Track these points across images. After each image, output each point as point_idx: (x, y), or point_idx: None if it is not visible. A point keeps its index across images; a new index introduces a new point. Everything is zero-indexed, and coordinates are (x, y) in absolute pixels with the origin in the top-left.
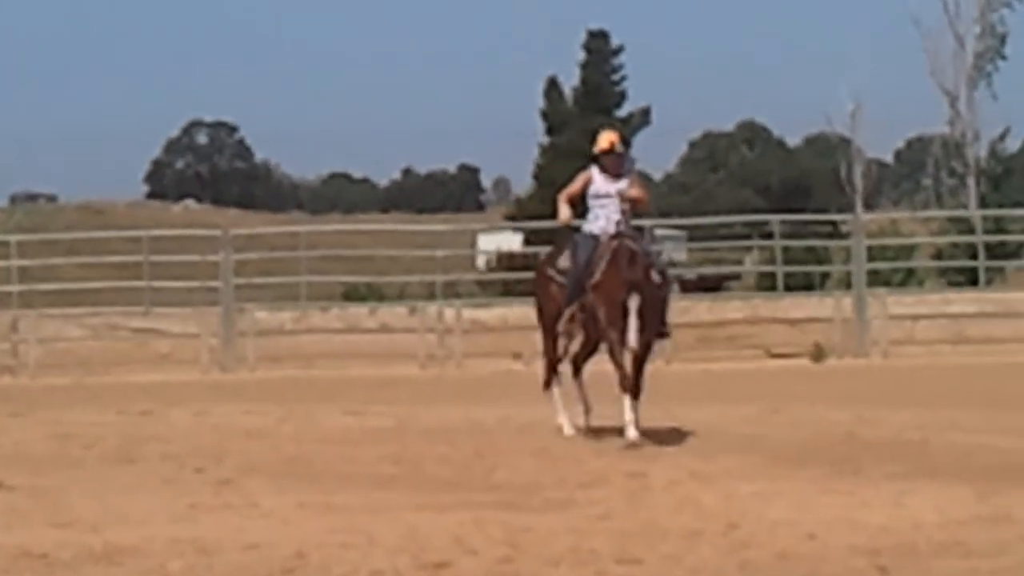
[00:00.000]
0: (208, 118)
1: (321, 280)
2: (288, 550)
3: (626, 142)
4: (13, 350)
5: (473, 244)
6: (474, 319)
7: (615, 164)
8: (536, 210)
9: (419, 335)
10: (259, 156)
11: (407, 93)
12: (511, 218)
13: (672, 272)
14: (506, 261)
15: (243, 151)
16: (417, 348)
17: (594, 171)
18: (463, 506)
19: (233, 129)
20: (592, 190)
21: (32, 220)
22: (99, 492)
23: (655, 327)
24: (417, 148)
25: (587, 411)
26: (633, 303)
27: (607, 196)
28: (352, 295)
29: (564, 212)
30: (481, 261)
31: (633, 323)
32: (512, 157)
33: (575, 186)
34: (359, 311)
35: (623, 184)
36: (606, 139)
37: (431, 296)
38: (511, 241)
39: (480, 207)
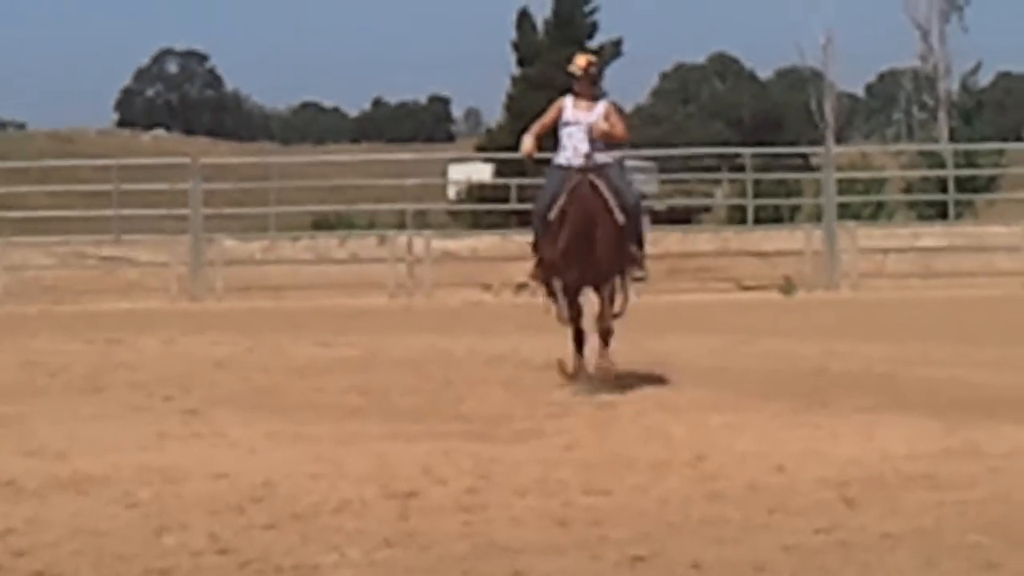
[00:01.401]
0: (179, 47)
1: (291, 210)
2: (256, 479)
3: (599, 70)
4: None
5: (444, 174)
6: (444, 249)
7: (588, 88)
8: (507, 141)
9: (388, 265)
10: (229, 86)
11: (379, 23)
12: (481, 149)
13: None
14: (476, 192)
15: (213, 80)
16: (386, 278)
17: (566, 100)
18: (431, 436)
19: (204, 58)
20: (563, 118)
21: (1, 148)
22: (66, 420)
23: (615, 265)
24: (388, 78)
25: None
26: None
27: (576, 124)
28: (322, 224)
29: (526, 143)
30: (451, 191)
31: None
32: (483, 88)
33: (547, 116)
34: (328, 242)
35: (597, 113)
36: (582, 59)
37: (401, 226)
38: (481, 172)
39: (451, 138)
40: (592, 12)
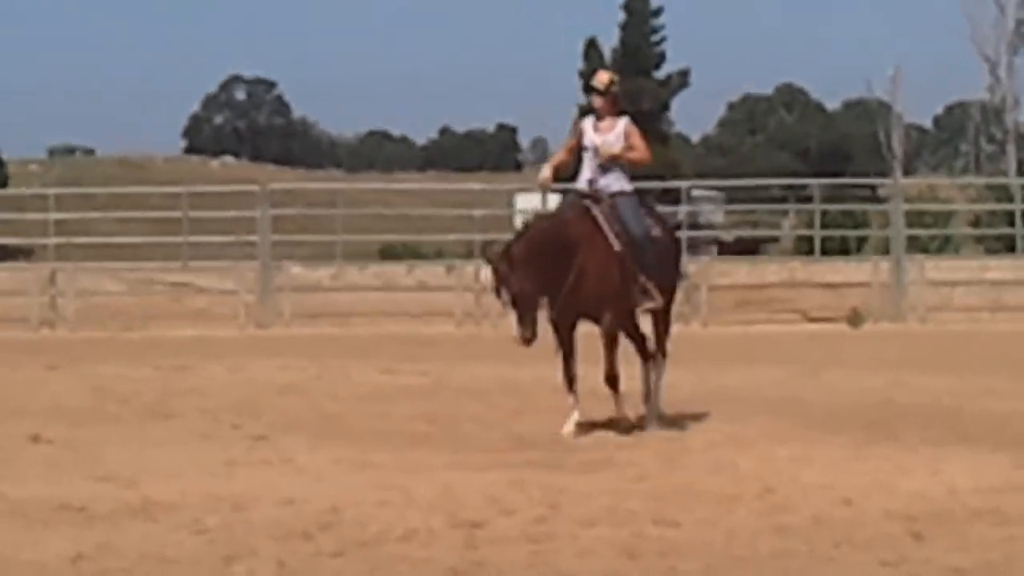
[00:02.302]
0: (247, 74)
1: (358, 239)
2: (323, 506)
3: (617, 94)
4: (51, 303)
5: (510, 204)
6: None
7: (609, 107)
8: (574, 170)
9: (456, 293)
10: (297, 113)
11: (447, 52)
12: None
13: (709, 234)
14: None
15: (281, 107)
16: (454, 306)
17: (586, 122)
18: (498, 465)
19: (272, 85)
20: (583, 142)
21: (70, 173)
22: (136, 446)
23: (608, 297)
24: (455, 107)
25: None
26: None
27: (594, 148)
28: (388, 254)
29: (543, 173)
30: (519, 221)
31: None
32: (550, 117)
33: (570, 141)
34: (396, 269)
35: (616, 133)
36: (605, 76)
37: (468, 255)
38: (549, 202)
39: (517, 167)
40: (659, 42)
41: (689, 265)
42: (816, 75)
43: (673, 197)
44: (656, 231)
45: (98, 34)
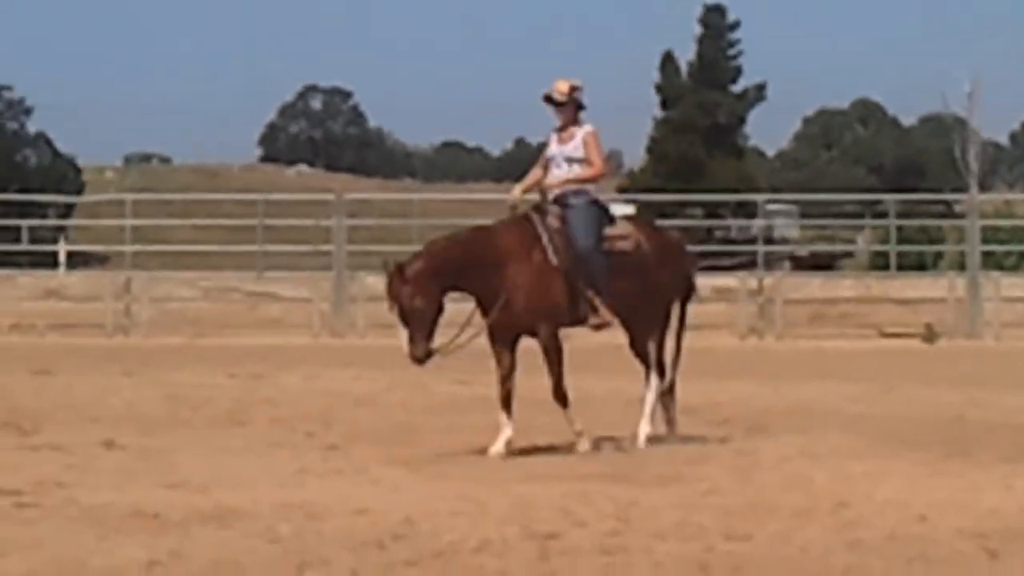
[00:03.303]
0: (323, 83)
1: None
2: (397, 516)
3: (579, 102)
4: (126, 310)
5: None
6: None
7: (566, 115)
8: (649, 183)
9: None
10: (372, 123)
11: (522, 63)
12: (623, 191)
13: (783, 249)
14: None
15: (357, 117)
16: None
17: (552, 132)
18: (570, 478)
19: (347, 95)
20: (548, 154)
21: (146, 181)
22: (209, 454)
23: (538, 310)
24: (530, 118)
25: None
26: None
27: (553, 159)
28: None
29: (514, 190)
30: None
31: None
32: (625, 130)
33: (541, 159)
34: None
35: (573, 144)
36: (564, 84)
37: None
38: (623, 213)
39: None
40: (736, 56)
41: (764, 279)
42: (892, 90)
43: (748, 211)
44: (623, 244)
45: (176, 43)
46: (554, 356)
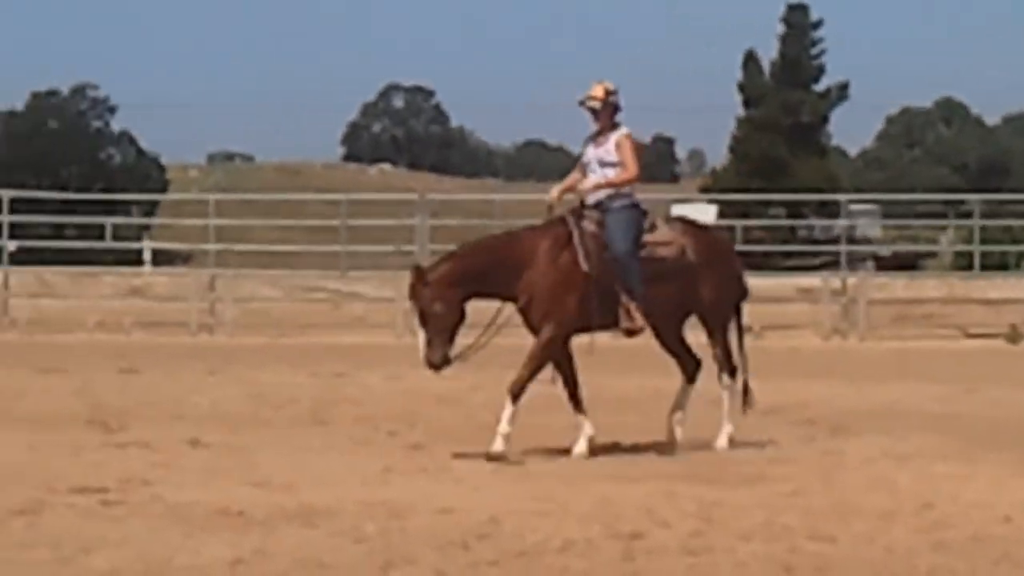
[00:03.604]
0: (406, 82)
1: None
2: (482, 516)
3: (616, 104)
4: (210, 309)
5: (667, 215)
6: None
7: (602, 120)
8: (731, 183)
9: None
10: (455, 122)
11: (605, 63)
12: (705, 190)
13: (866, 249)
14: None
15: (439, 116)
16: None
17: (589, 138)
18: (654, 477)
19: (430, 94)
20: (584, 159)
21: (229, 179)
22: (293, 452)
23: (548, 313)
24: None
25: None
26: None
27: (588, 164)
28: None
29: (553, 190)
30: None
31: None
32: (707, 129)
33: (579, 164)
34: None
35: (605, 148)
36: (599, 89)
37: None
38: (706, 213)
39: (674, 178)
40: (819, 55)
41: (848, 279)
42: (976, 88)
43: (831, 211)
44: (664, 251)
45: (260, 42)
46: (544, 356)
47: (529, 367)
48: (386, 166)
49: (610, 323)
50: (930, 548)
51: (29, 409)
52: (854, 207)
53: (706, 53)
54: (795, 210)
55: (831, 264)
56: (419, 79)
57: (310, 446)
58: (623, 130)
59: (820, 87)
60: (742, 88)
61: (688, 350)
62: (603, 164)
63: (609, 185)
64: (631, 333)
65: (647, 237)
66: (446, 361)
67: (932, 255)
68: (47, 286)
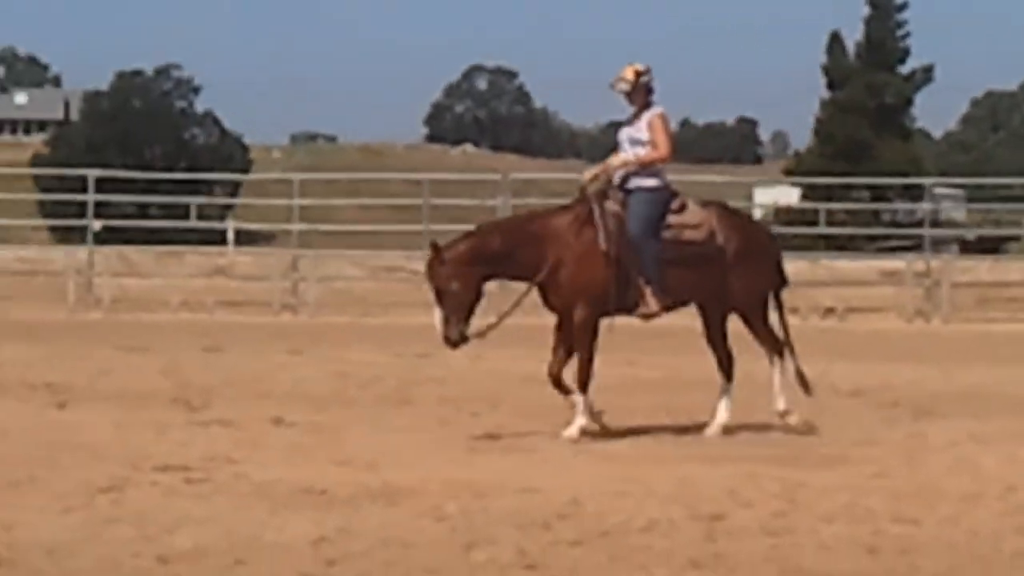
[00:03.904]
0: (489, 63)
1: None
2: (564, 496)
3: (648, 85)
4: (293, 288)
5: (749, 197)
6: None
7: (640, 100)
8: (815, 165)
9: None
10: (538, 103)
11: (689, 45)
12: (789, 172)
13: (950, 232)
14: (783, 215)
15: (522, 97)
16: None
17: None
18: (736, 459)
19: (513, 75)
20: (618, 139)
21: (312, 160)
22: (376, 432)
23: (575, 295)
24: (695, 99)
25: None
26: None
27: (620, 144)
28: None
29: (586, 172)
30: (758, 214)
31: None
32: (791, 111)
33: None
34: None
35: (637, 128)
36: (630, 71)
37: None
38: (789, 195)
39: (757, 160)
40: (904, 37)
41: (931, 261)
42: None
43: (914, 194)
44: (692, 234)
45: (343, 24)
46: (586, 339)
47: (582, 355)
48: (469, 147)
49: (629, 306)
50: (1014, 531)
51: (114, 387)
52: (938, 190)
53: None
54: (879, 193)
55: (914, 247)
56: (502, 60)
57: (394, 426)
58: (656, 109)
59: (905, 69)
60: (826, 70)
61: (726, 346)
62: (633, 143)
63: (638, 163)
64: (646, 317)
65: (673, 219)
66: (463, 338)
67: (1016, 239)
68: (131, 265)
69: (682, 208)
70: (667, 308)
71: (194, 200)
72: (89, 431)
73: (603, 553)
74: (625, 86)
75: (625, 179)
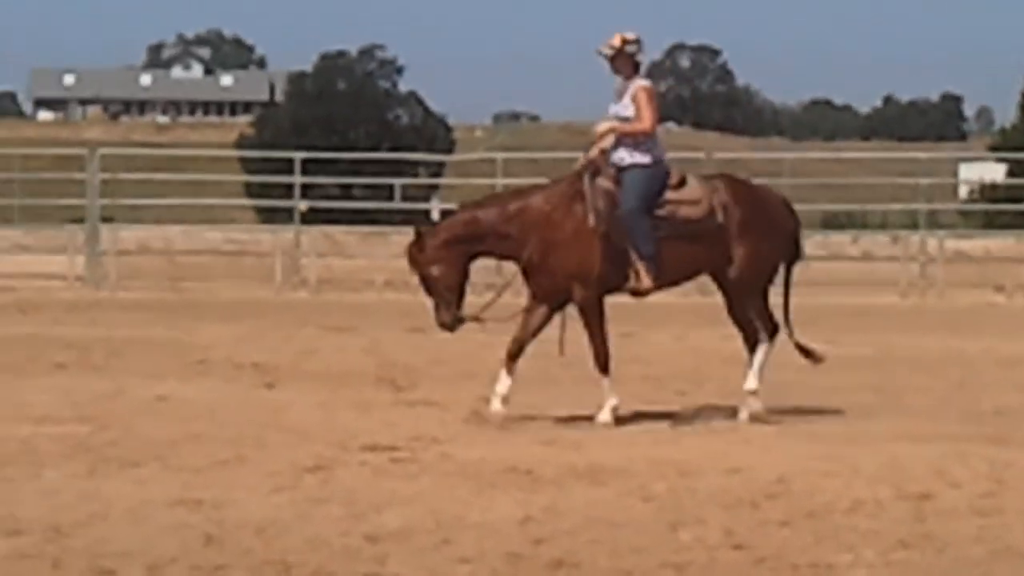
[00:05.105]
0: (691, 42)
1: (802, 208)
2: (770, 476)
3: (635, 57)
4: (497, 268)
5: (955, 173)
6: (956, 249)
7: (625, 69)
8: (1020, 141)
9: (901, 264)
10: (741, 81)
11: (891, 20)
12: (994, 148)
13: None
14: (989, 192)
15: (725, 75)
16: (898, 277)
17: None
18: (944, 438)
19: (716, 53)
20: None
21: (515, 139)
22: (581, 411)
23: (571, 276)
24: (899, 76)
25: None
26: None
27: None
28: (831, 223)
29: (590, 152)
30: (963, 191)
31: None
32: (996, 86)
33: None
34: (841, 238)
35: (622, 105)
36: (617, 38)
37: (912, 225)
38: (994, 171)
39: (962, 136)
40: None
41: None
42: None
43: None
44: (688, 210)
45: (544, 3)
46: (593, 320)
47: (594, 338)
48: (672, 125)
49: (620, 283)
50: None
51: (320, 367)
52: None
53: (995, 10)
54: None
55: None
56: (705, 38)
57: (599, 405)
58: (641, 82)
59: None
60: None
61: (751, 322)
62: (619, 118)
63: (621, 132)
64: (638, 294)
65: (671, 195)
66: (458, 320)
67: None
68: (337, 246)
69: (681, 184)
70: (662, 285)
71: (398, 181)
72: (295, 411)
73: (810, 533)
74: (608, 51)
75: (619, 155)
